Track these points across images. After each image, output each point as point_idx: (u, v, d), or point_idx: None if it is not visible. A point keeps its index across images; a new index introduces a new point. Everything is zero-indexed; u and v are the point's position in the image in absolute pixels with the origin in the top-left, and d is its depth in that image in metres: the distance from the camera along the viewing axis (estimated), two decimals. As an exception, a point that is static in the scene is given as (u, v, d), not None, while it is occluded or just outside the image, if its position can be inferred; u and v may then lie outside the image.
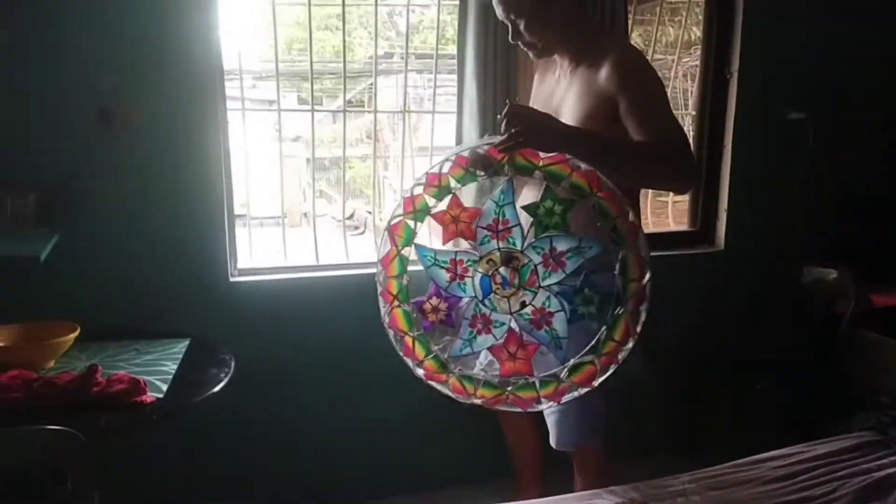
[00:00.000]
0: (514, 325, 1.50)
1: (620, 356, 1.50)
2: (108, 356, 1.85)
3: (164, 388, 1.64)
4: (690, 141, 1.43)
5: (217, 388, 1.68)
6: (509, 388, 1.53)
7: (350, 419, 2.35)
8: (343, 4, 2.46)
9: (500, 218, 1.45)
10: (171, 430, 1.90)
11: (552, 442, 1.80)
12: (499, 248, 1.47)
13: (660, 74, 1.72)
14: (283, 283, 2.33)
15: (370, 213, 5.43)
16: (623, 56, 1.56)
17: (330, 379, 2.34)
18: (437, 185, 1.49)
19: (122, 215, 2.06)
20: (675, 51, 4.75)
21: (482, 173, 1.47)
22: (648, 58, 2.98)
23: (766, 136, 2.77)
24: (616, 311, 1.48)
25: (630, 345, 1.49)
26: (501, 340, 1.51)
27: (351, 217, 7.99)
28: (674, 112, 1.52)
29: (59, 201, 1.94)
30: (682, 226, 2.96)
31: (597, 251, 1.44)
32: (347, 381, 2.36)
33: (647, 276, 1.46)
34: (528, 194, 1.50)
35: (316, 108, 2.67)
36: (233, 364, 1.84)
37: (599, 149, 1.45)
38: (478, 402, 1.56)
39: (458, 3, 2.25)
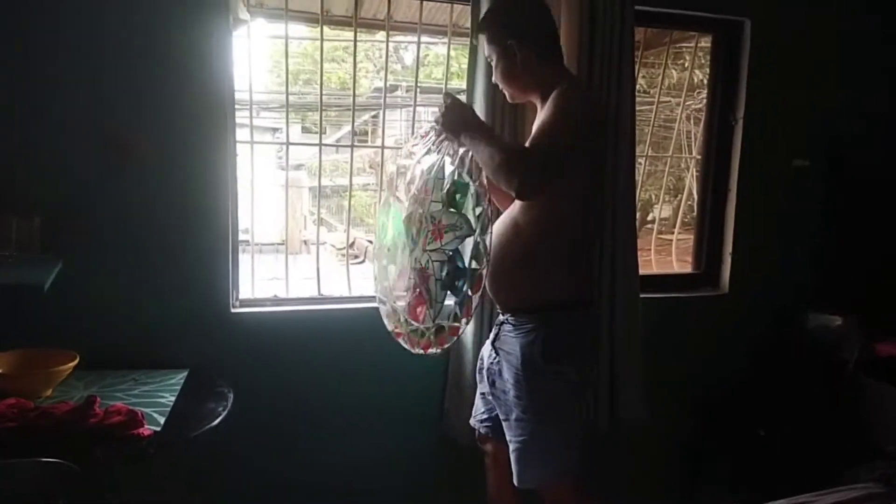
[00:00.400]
0: (414, 277, 1.72)
1: (460, 333, 1.68)
2: (107, 385, 1.83)
3: (162, 420, 1.62)
4: (549, 168, 1.56)
5: (215, 423, 1.66)
6: (409, 329, 1.78)
7: (348, 455, 2.31)
8: (355, 39, 2.49)
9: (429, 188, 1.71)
10: (168, 463, 1.86)
11: (514, 479, 1.76)
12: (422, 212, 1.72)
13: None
14: (284, 315, 2.30)
15: (371, 242, 5.44)
16: (556, 99, 1.61)
17: (329, 414, 2.31)
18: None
19: (126, 243, 2.05)
20: (678, 93, 4.81)
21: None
22: (654, 100, 3.06)
23: (772, 181, 2.79)
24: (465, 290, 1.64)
25: (466, 324, 1.66)
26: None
27: (352, 246, 8.01)
28: (563, 150, 1.58)
29: (64, 227, 1.93)
30: (686, 267, 2.95)
31: (466, 232, 1.64)
32: (346, 416, 2.33)
33: (485, 265, 1.61)
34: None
35: (324, 141, 2.67)
36: (231, 397, 1.82)
37: (474, 132, 1.64)
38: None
39: (468, 41, 2.27)
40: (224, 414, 1.70)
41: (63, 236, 1.93)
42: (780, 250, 2.84)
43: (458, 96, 1.77)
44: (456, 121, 1.68)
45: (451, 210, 1.67)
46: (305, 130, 7.22)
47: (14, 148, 1.93)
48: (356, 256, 7.50)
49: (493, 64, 1.74)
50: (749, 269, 2.81)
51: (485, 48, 1.77)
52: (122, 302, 2.05)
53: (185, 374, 1.95)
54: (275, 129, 9.44)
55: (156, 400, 1.74)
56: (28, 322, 1.91)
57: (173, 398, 1.76)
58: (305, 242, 8.26)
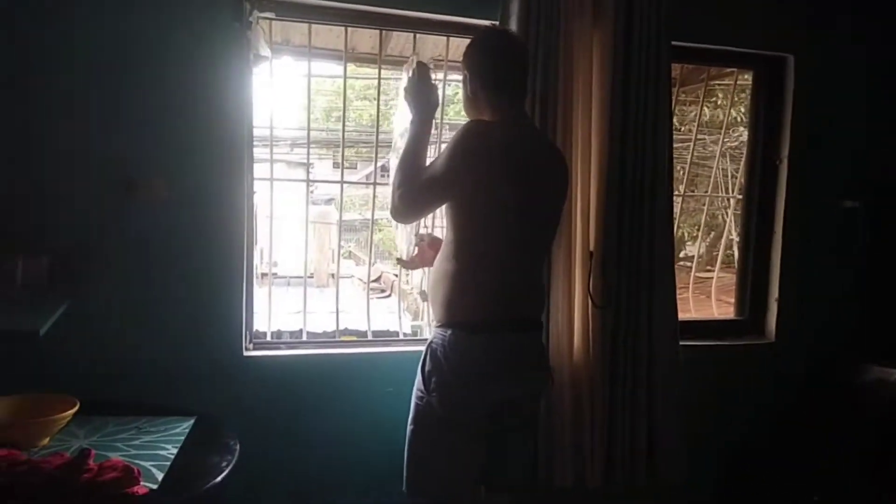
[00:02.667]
0: None
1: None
2: (107, 434, 1.73)
3: (160, 476, 1.51)
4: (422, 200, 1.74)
5: (218, 479, 1.54)
6: None
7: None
8: (379, 76, 2.43)
9: None
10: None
11: None
12: None
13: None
14: (298, 358, 2.21)
15: (397, 276, 5.36)
16: (455, 133, 1.73)
17: (344, 467, 2.18)
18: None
19: (135, 283, 1.98)
20: (710, 130, 4.69)
21: None
22: (690, 137, 2.94)
23: (819, 224, 2.63)
24: None
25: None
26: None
27: (378, 280, 7.94)
28: (438, 181, 1.69)
29: (72, 267, 1.87)
30: (728, 313, 2.78)
31: None
32: (363, 469, 2.19)
33: None
34: None
35: (355, 177, 2.61)
36: (237, 451, 1.70)
37: (413, 120, 1.79)
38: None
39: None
40: (228, 470, 1.58)
41: (71, 276, 1.87)
42: (830, 296, 2.66)
43: (425, 69, 1.83)
44: (410, 91, 1.81)
45: None
46: (336, 166, 7.25)
47: (24, 186, 1.90)
48: (382, 290, 7.42)
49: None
50: (796, 316, 2.65)
51: None
52: (128, 344, 1.98)
53: (191, 422, 1.84)
54: (307, 164, 9.54)
55: (157, 452, 1.63)
56: (27, 365, 1.83)
57: (175, 450, 1.65)
58: (333, 276, 8.24)
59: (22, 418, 1.63)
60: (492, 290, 1.70)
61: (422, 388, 1.73)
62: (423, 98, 1.80)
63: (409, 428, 1.77)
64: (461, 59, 1.81)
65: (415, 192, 1.72)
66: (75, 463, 1.43)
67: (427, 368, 1.73)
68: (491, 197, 1.68)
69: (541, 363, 1.85)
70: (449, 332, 1.70)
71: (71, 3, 1.89)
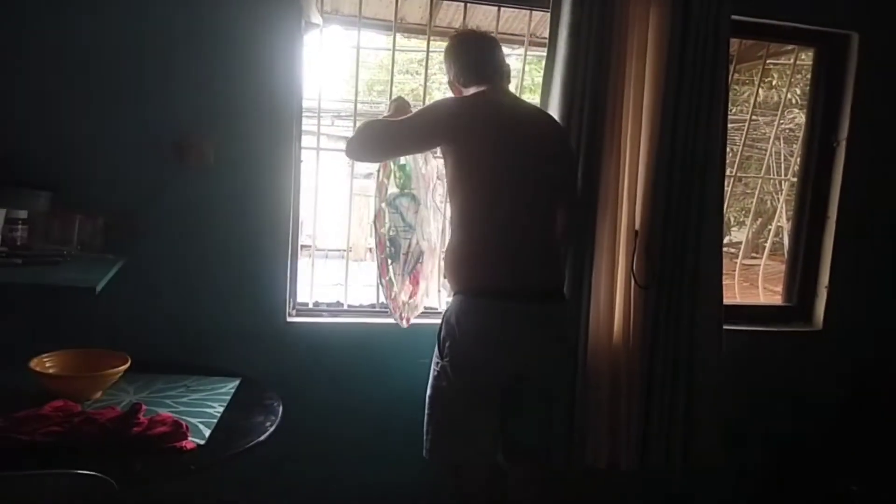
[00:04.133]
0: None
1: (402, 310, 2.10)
2: (156, 391, 1.78)
3: (207, 433, 1.55)
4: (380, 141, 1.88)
5: (262, 438, 1.58)
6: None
7: (402, 478, 2.20)
8: (428, 47, 2.41)
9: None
10: (212, 475, 1.80)
11: None
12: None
13: None
14: (340, 326, 2.23)
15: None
16: None
17: (383, 432, 2.21)
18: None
19: (186, 246, 2.03)
20: (762, 111, 4.54)
21: None
22: (745, 118, 2.85)
23: (876, 209, 2.53)
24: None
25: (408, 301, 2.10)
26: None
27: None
28: (398, 131, 1.86)
29: (126, 228, 1.92)
30: (776, 298, 2.71)
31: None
32: (401, 434, 2.21)
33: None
34: None
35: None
36: (280, 411, 1.74)
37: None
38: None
39: (545, 54, 2.15)
40: (271, 429, 1.62)
41: (125, 236, 1.92)
42: (882, 285, 2.57)
43: (402, 101, 2.03)
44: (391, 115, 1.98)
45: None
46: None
47: (82, 148, 1.95)
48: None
49: None
50: (846, 304, 2.56)
51: None
52: (178, 305, 2.03)
53: (236, 383, 1.89)
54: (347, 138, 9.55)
55: (204, 410, 1.68)
56: (81, 321, 1.89)
57: (221, 409, 1.70)
58: (371, 250, 8.28)
59: (77, 372, 1.70)
60: (492, 257, 1.78)
61: (437, 354, 1.83)
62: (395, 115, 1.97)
63: (427, 393, 1.85)
64: (445, 64, 1.98)
65: (380, 130, 1.87)
66: (127, 416, 1.48)
67: (441, 335, 1.82)
68: (475, 165, 1.78)
69: (555, 335, 1.86)
70: (458, 298, 1.80)
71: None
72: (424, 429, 1.85)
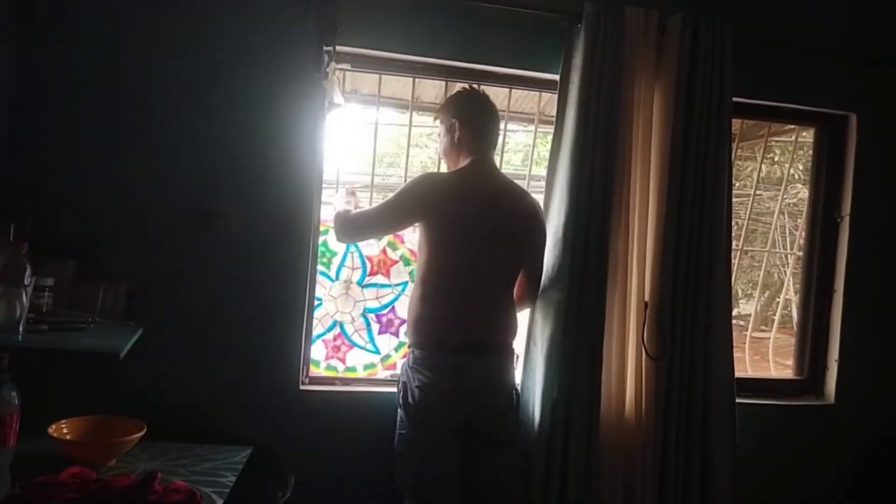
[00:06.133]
0: None
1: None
2: (170, 459, 1.78)
3: (220, 502, 1.55)
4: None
5: (274, 509, 1.57)
6: None
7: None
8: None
9: None
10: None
11: None
12: None
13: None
14: (352, 395, 2.24)
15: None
16: None
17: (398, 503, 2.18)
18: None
19: (204, 314, 2.07)
20: (766, 186, 4.63)
21: None
22: (746, 193, 2.93)
23: (883, 283, 2.56)
24: None
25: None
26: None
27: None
28: (378, 216, 2.04)
29: (148, 295, 1.96)
30: (786, 372, 2.71)
31: None
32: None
33: None
34: None
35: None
36: (293, 481, 1.74)
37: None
38: None
39: (552, 130, 2.24)
40: (283, 499, 1.62)
41: (146, 304, 1.96)
42: (893, 359, 2.57)
43: (353, 193, 2.19)
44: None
45: None
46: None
47: (108, 217, 2.01)
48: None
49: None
50: (857, 378, 2.56)
51: None
52: (193, 373, 2.05)
53: (248, 451, 1.88)
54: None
55: (217, 479, 1.68)
56: (100, 388, 1.92)
57: (234, 478, 1.70)
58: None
59: (94, 438, 1.71)
60: (442, 315, 1.94)
61: (399, 400, 1.98)
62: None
63: (394, 443, 1.99)
64: (443, 109, 2.10)
65: (357, 221, 2.02)
66: (143, 484, 1.48)
67: (399, 384, 2.00)
68: (435, 235, 1.95)
69: (498, 386, 2.00)
70: (412, 351, 1.98)
71: (166, 41, 2.03)
72: (394, 475, 1.98)
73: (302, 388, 2.19)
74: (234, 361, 2.08)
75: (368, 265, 2.46)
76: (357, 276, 2.43)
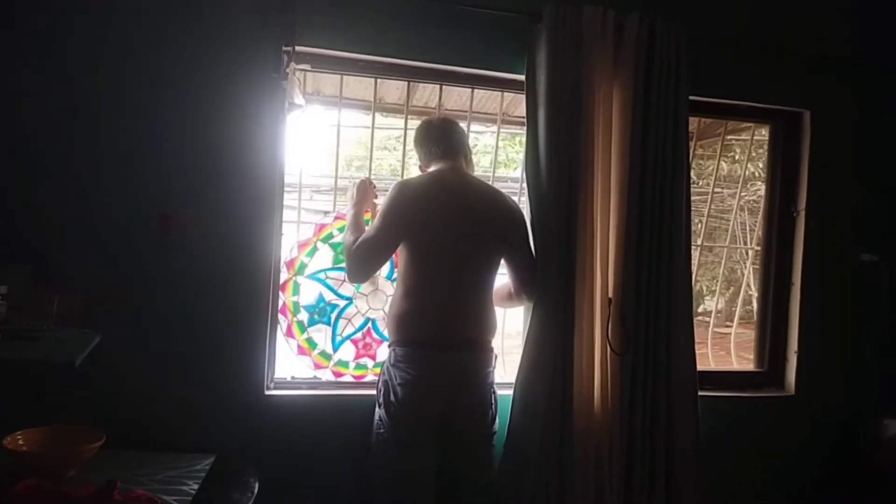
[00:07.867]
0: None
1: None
2: (131, 468, 1.76)
3: (183, 510, 1.52)
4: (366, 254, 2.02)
5: (237, 516, 1.55)
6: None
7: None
8: (405, 126, 2.51)
9: None
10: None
11: None
12: None
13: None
14: (318, 398, 2.22)
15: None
16: None
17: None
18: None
19: (165, 320, 2.03)
20: (726, 184, 4.74)
21: None
22: (708, 190, 2.99)
23: (838, 275, 2.64)
24: None
25: None
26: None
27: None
28: (374, 238, 2.02)
29: (105, 302, 1.92)
30: (749, 365, 2.77)
31: None
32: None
33: None
34: None
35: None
36: (256, 488, 1.72)
37: (350, 215, 2.17)
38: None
39: (517, 131, 2.26)
40: (247, 506, 1.60)
41: (103, 311, 1.92)
42: (850, 349, 2.65)
43: (364, 182, 2.25)
44: (353, 197, 2.21)
45: None
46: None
47: (63, 222, 1.96)
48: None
49: None
50: (816, 369, 2.63)
51: None
52: (154, 380, 2.01)
53: (211, 459, 1.86)
54: (326, 212, 9.65)
55: (179, 487, 1.65)
56: (57, 398, 1.87)
57: (196, 486, 1.67)
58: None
59: (51, 449, 1.67)
60: (421, 313, 1.99)
61: (379, 400, 2.00)
62: (355, 201, 2.19)
63: (371, 441, 2.01)
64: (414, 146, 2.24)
65: (359, 253, 2.01)
66: (102, 493, 1.45)
67: (379, 382, 2.02)
68: (414, 238, 2.01)
69: (475, 381, 2.02)
70: (393, 349, 2.02)
71: (122, 43, 1.99)
72: (364, 470, 2.03)
73: (267, 392, 2.16)
74: (195, 367, 2.05)
75: (394, 258, 2.33)
76: (385, 269, 2.32)
